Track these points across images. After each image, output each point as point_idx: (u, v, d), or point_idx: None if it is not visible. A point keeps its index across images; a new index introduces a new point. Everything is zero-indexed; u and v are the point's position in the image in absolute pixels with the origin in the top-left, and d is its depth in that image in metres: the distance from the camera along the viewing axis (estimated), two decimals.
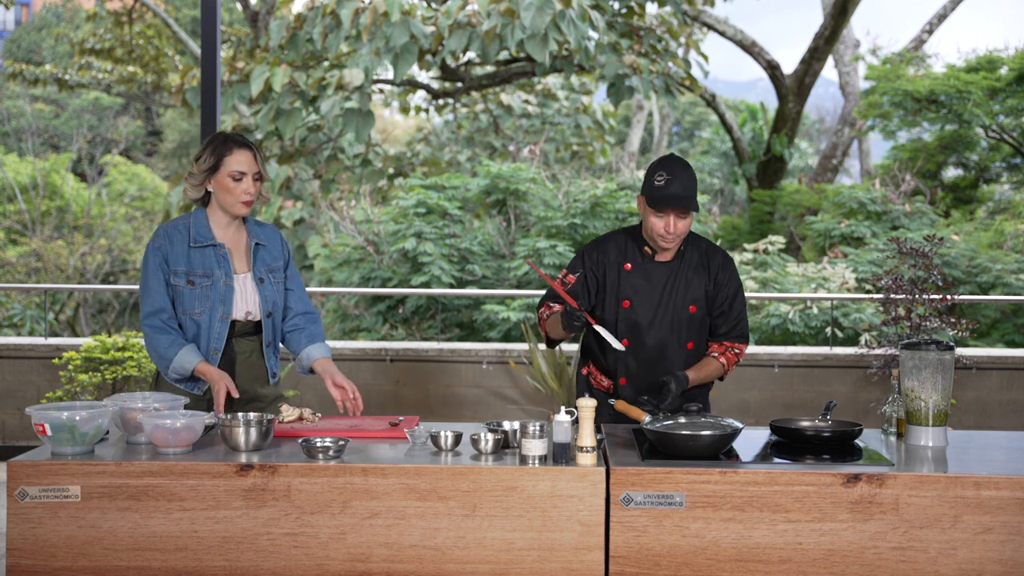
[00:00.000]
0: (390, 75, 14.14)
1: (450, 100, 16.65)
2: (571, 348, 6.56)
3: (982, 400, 6.52)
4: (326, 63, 12.42)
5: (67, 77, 17.13)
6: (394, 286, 9.65)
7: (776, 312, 8.79)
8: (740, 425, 2.85)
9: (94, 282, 15.68)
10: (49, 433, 2.72)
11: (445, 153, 17.54)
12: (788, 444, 2.95)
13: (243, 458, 2.71)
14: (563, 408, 2.76)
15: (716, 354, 3.38)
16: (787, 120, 14.99)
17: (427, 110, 17.24)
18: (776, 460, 2.76)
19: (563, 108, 17.39)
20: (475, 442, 2.77)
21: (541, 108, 17.14)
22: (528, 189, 10.25)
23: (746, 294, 8.31)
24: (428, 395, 6.53)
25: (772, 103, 17.47)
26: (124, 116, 21.38)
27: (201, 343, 3.24)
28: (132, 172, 18.82)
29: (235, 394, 3.12)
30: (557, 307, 3.35)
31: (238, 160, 3.21)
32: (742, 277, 9.46)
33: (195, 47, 15.58)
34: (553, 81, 17.21)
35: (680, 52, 13.82)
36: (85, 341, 6.42)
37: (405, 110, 17.25)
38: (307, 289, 5.42)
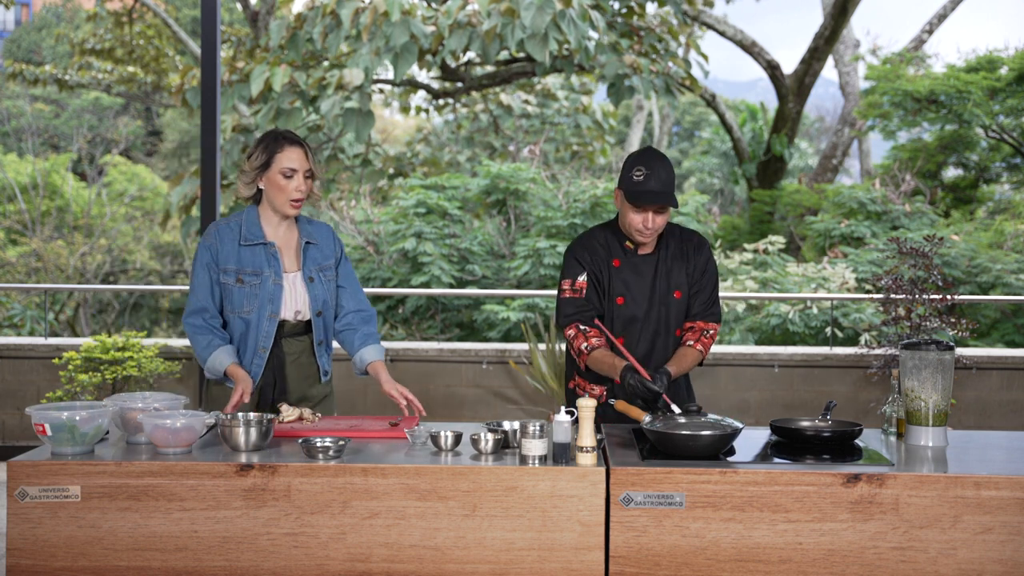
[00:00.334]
0: (390, 75, 14.14)
1: (450, 100, 16.65)
2: None
3: (982, 400, 6.52)
4: (326, 63, 12.41)
5: (67, 77, 17.13)
6: (394, 286, 9.66)
7: (776, 312, 8.79)
8: (740, 425, 2.85)
9: (94, 282, 15.68)
10: (49, 433, 2.72)
11: (445, 153, 17.54)
12: (788, 444, 2.95)
13: (243, 458, 2.71)
14: (563, 408, 2.76)
15: (691, 342, 3.33)
16: (787, 120, 14.99)
17: (427, 110, 17.24)
18: (776, 460, 2.76)
19: (563, 108, 17.38)
20: (475, 442, 2.77)
21: (541, 108, 17.13)
22: (528, 189, 10.25)
23: (746, 294, 8.43)
24: (428, 395, 6.53)
25: (772, 103, 17.47)
26: (124, 116, 21.37)
27: (249, 341, 3.24)
28: (132, 172, 18.82)
29: (246, 399, 3.12)
30: (596, 337, 3.25)
31: (289, 157, 3.20)
32: (742, 277, 9.46)
33: (195, 47, 15.58)
34: (553, 81, 17.21)
35: (680, 52, 13.81)
36: (85, 341, 6.42)
37: (405, 110, 17.24)
38: None
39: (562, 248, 9.46)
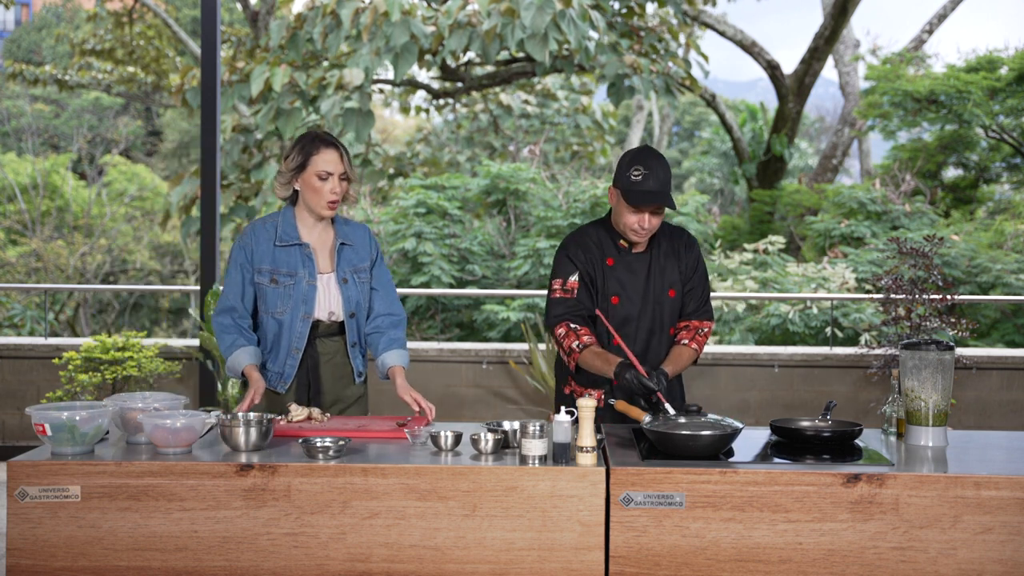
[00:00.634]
0: (390, 75, 14.14)
1: (450, 100, 16.65)
2: None
3: (982, 400, 6.52)
4: (326, 63, 12.42)
5: (67, 77, 17.13)
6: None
7: (776, 312, 8.79)
8: (740, 425, 2.85)
9: (94, 282, 15.68)
10: (49, 433, 2.72)
11: (445, 153, 17.54)
12: (788, 444, 2.95)
13: (243, 458, 2.71)
14: (563, 408, 2.76)
15: (686, 341, 3.33)
16: (787, 120, 14.99)
17: (427, 110, 17.24)
18: (776, 460, 2.76)
19: (563, 108, 17.38)
20: (475, 442, 2.77)
21: (541, 108, 17.14)
22: (528, 189, 10.25)
23: (746, 294, 8.43)
24: (428, 395, 6.51)
25: (772, 103, 17.47)
26: (124, 116, 21.37)
27: (282, 342, 3.25)
28: (132, 172, 18.81)
29: (257, 400, 3.12)
30: (587, 335, 3.23)
31: (325, 160, 3.20)
32: (742, 277, 9.46)
33: (195, 47, 15.58)
34: (553, 81, 17.21)
35: (680, 52, 13.82)
36: (85, 341, 6.42)
37: (405, 110, 17.25)
38: None
39: None
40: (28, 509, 2.66)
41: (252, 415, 2.86)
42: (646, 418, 2.94)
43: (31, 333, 12.55)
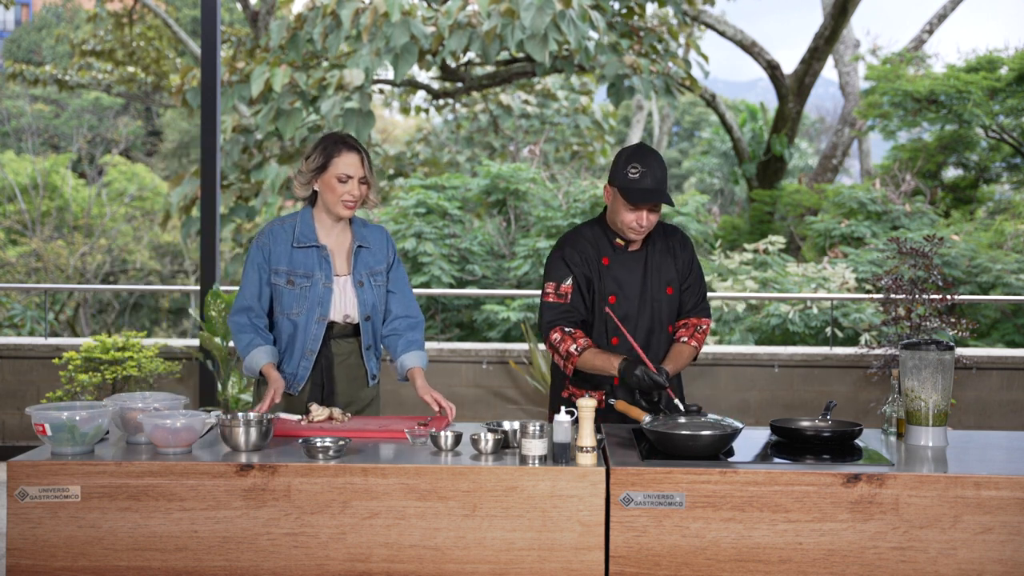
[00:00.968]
0: (390, 75, 14.14)
1: (450, 100, 16.66)
2: None
3: (982, 400, 6.52)
4: (326, 63, 12.42)
5: (67, 78, 17.13)
6: None
7: (776, 312, 8.79)
8: (740, 425, 2.85)
9: (94, 282, 15.68)
10: (49, 433, 2.72)
11: (444, 153, 17.54)
12: (788, 444, 2.95)
13: (243, 458, 2.71)
14: (563, 408, 2.76)
15: (685, 339, 3.32)
16: (787, 120, 14.99)
17: (427, 110, 17.25)
18: (776, 460, 2.76)
19: (563, 108, 17.39)
20: (475, 442, 2.77)
21: (541, 108, 17.14)
22: (528, 189, 10.25)
23: (746, 294, 8.43)
24: None
25: (772, 103, 17.47)
26: (124, 116, 21.37)
27: (297, 343, 3.25)
28: (132, 172, 18.81)
29: (277, 399, 3.12)
30: (582, 338, 3.21)
31: (345, 162, 3.20)
32: (742, 277, 9.46)
33: (195, 47, 15.58)
34: (553, 81, 17.21)
35: (680, 52, 13.82)
36: (85, 341, 6.42)
37: (405, 110, 17.25)
38: None
39: None
40: (28, 509, 2.66)
41: (252, 415, 2.87)
42: (646, 418, 2.94)
43: (31, 333, 12.55)
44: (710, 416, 2.92)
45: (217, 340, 5.94)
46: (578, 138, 17.76)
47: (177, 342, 6.83)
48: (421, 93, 16.72)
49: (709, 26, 14.97)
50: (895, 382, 3.09)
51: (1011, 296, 9.22)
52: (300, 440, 2.81)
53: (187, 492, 2.65)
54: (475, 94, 16.51)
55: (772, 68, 14.84)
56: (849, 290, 9.09)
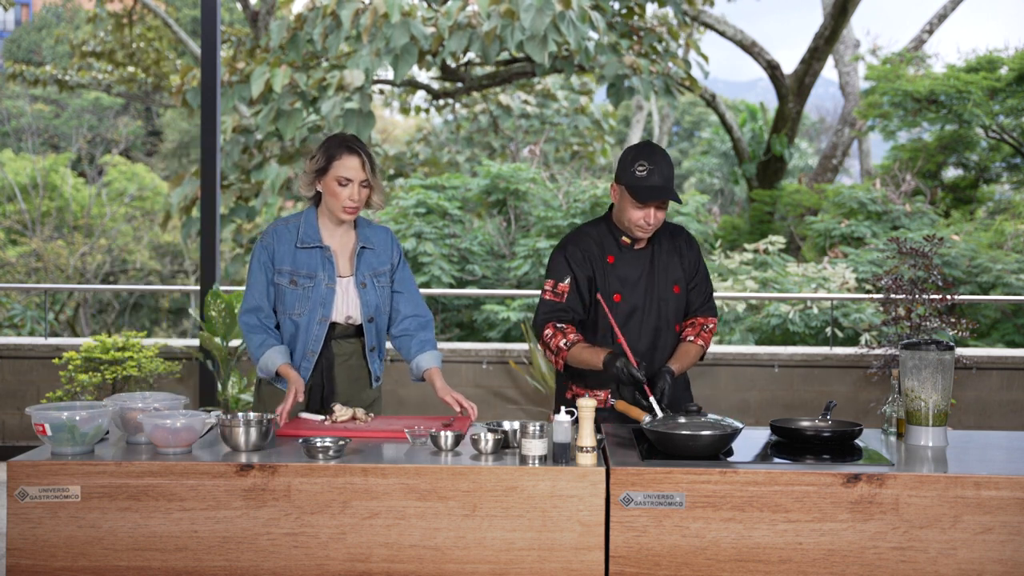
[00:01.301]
0: (390, 76, 14.14)
1: (450, 100, 16.66)
2: None
3: (982, 400, 6.52)
4: (326, 63, 12.42)
5: (67, 78, 17.13)
6: None
7: (776, 312, 8.79)
8: (740, 425, 2.85)
9: (94, 282, 15.68)
10: (49, 433, 2.72)
11: (444, 153, 17.55)
12: (788, 444, 2.95)
13: (243, 458, 2.71)
14: (563, 408, 2.76)
15: (692, 338, 3.33)
16: (787, 120, 14.99)
17: (427, 110, 17.25)
18: (776, 460, 2.76)
19: (562, 108, 17.39)
20: (475, 442, 2.77)
21: (540, 108, 17.15)
22: (528, 189, 10.25)
23: (746, 294, 8.43)
24: (428, 395, 6.53)
25: (772, 103, 17.46)
26: (124, 116, 21.37)
27: (298, 344, 3.25)
28: (132, 172, 18.82)
29: (300, 398, 3.12)
30: (573, 333, 3.21)
31: (346, 165, 3.18)
32: (742, 277, 9.46)
33: (195, 47, 15.58)
34: (553, 81, 17.21)
35: (680, 52, 13.82)
36: (85, 341, 6.42)
37: (405, 110, 17.25)
38: None
39: None
40: (28, 509, 2.66)
41: (252, 415, 2.87)
42: (646, 418, 2.95)
43: (31, 333, 12.55)
44: (710, 416, 2.92)
45: (217, 340, 5.94)
46: (578, 138, 17.77)
47: (177, 342, 6.83)
48: (421, 93, 16.73)
49: (709, 26, 14.97)
50: (895, 382, 3.09)
51: (1011, 296, 9.22)
52: (300, 440, 2.81)
53: (187, 492, 2.65)
54: (475, 94, 16.51)
55: (772, 68, 14.84)
56: (849, 290, 9.09)
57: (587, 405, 2.68)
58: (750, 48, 14.91)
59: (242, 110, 13.51)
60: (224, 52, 15.54)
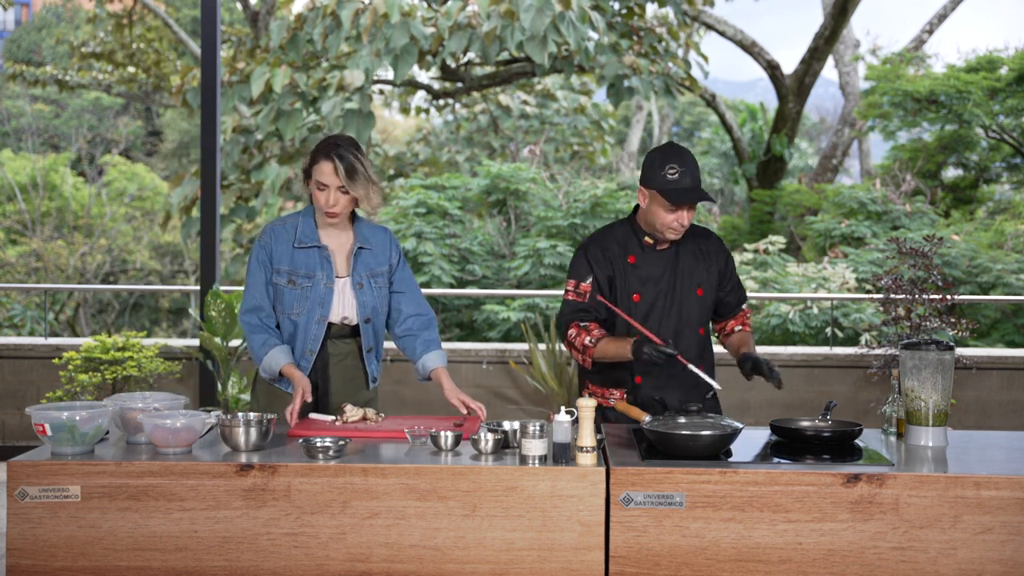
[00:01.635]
0: (390, 76, 14.14)
1: (450, 100, 16.66)
2: None
3: (982, 400, 6.52)
4: (326, 64, 12.42)
5: (67, 78, 17.13)
6: None
7: (776, 312, 8.79)
8: (740, 425, 2.85)
9: (94, 282, 15.68)
10: (49, 433, 2.72)
11: (444, 153, 17.55)
12: (788, 444, 2.95)
13: (243, 458, 2.71)
14: (563, 408, 2.76)
15: (739, 327, 3.44)
16: (787, 120, 14.98)
17: (427, 110, 17.25)
18: (776, 460, 2.76)
19: (562, 108, 17.40)
20: (475, 442, 2.77)
21: (540, 108, 17.15)
22: (528, 189, 10.25)
23: (746, 294, 8.43)
24: (428, 395, 6.53)
25: (772, 103, 17.46)
26: (124, 116, 21.37)
27: (297, 344, 3.25)
28: (132, 172, 18.82)
29: (308, 398, 3.11)
30: (597, 330, 3.23)
31: (322, 171, 3.19)
32: (741, 277, 9.47)
33: (195, 47, 15.58)
34: (552, 81, 17.21)
35: (680, 52, 13.82)
36: (85, 341, 6.42)
37: (405, 110, 17.25)
38: None
39: (562, 248, 9.46)
40: (28, 509, 2.66)
41: (252, 415, 2.86)
42: (646, 418, 2.95)
43: (31, 333, 12.55)
44: (710, 416, 2.92)
45: (217, 340, 5.94)
46: (578, 138, 17.77)
47: (177, 342, 6.83)
48: (421, 93, 16.73)
49: (709, 26, 14.96)
50: (895, 382, 3.09)
51: (1011, 296, 9.22)
52: (300, 440, 2.81)
53: (187, 492, 2.65)
54: (475, 94, 16.51)
55: (772, 68, 14.83)
56: (849, 290, 9.09)
57: (587, 405, 2.68)
58: (750, 48, 14.91)
59: (242, 110, 13.52)
60: (224, 52, 15.54)
